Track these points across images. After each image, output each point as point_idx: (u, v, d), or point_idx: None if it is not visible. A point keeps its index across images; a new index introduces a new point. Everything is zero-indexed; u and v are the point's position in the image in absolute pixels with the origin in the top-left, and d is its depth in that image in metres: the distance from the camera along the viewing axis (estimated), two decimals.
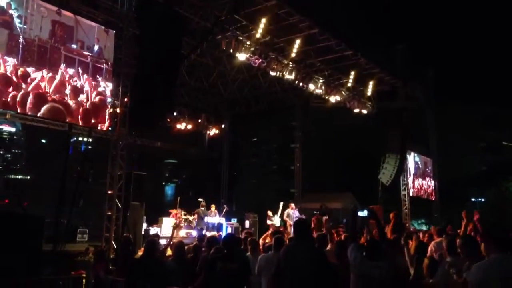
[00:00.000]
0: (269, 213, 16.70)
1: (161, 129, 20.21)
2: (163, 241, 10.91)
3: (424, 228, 26.26)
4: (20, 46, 7.60)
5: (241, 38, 13.05)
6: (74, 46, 8.48)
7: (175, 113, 19.11)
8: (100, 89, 8.98)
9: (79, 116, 8.57)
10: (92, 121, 9.01)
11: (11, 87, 7.58)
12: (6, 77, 7.50)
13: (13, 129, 77.77)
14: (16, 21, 7.53)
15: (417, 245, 6.44)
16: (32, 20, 7.76)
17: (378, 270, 4.32)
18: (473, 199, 36.20)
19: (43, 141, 63.57)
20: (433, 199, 22.89)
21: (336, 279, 4.76)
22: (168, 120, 19.08)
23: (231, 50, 13.10)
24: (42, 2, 7.95)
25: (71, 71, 8.41)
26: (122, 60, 11.98)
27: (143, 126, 11.84)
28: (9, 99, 7.67)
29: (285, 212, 16.00)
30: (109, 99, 9.57)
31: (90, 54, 8.80)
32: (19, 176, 64.96)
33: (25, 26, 7.63)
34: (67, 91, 8.31)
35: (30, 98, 7.65)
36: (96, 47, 8.96)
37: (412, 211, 21.51)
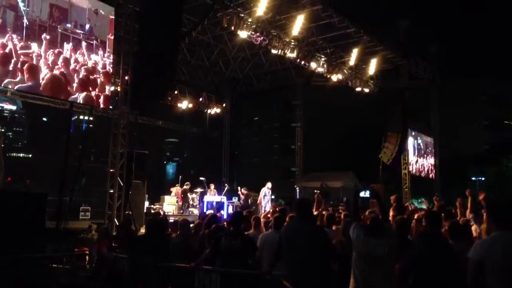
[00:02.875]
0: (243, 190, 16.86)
1: (162, 108, 20.21)
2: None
3: (424, 207, 26.38)
4: (24, 25, 9.00)
5: (242, 15, 12.87)
6: (68, 25, 9.85)
7: (176, 92, 19.01)
8: (91, 62, 10.32)
9: (75, 85, 9.81)
10: (90, 88, 10.19)
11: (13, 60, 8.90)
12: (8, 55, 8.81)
13: (14, 107, 77.71)
14: (21, 4, 9.03)
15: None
16: (34, 3, 9.27)
17: (381, 247, 4.35)
18: (473, 178, 36.32)
19: (44, 119, 63.57)
20: (434, 178, 22.97)
21: (342, 257, 4.81)
22: (169, 99, 19.02)
23: (232, 28, 12.93)
24: None
25: (67, 46, 9.77)
26: (122, 37, 11.87)
27: (144, 104, 11.83)
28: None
29: (262, 191, 16.13)
30: (100, 70, 10.66)
31: (82, 32, 10.14)
32: (21, 154, 65.24)
33: (28, 9, 9.09)
34: (62, 63, 9.65)
35: (25, 68, 8.94)
36: (87, 26, 10.29)
37: (413, 190, 21.61)
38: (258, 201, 16.00)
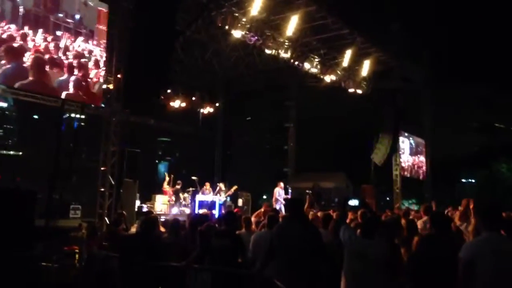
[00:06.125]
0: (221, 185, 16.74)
1: (154, 106, 20.07)
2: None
3: (415, 208, 26.54)
4: (20, 14, 9.86)
5: (236, 14, 12.87)
6: (60, 15, 10.66)
7: (169, 91, 18.91)
8: (80, 48, 11.02)
9: (65, 69, 10.52)
10: (79, 72, 10.83)
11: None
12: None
13: (4, 104, 76.85)
14: None
15: (407, 223, 6.49)
16: None
17: (373, 248, 4.36)
18: (463, 180, 36.56)
19: (35, 116, 62.96)
20: (424, 179, 23.11)
21: (332, 256, 4.81)
22: (162, 97, 18.91)
23: (227, 27, 12.92)
24: None
25: (59, 34, 10.57)
26: (116, 35, 11.82)
27: (136, 102, 11.79)
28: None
29: (275, 191, 16.10)
30: (87, 55, 11.27)
31: (72, 21, 10.95)
32: (11, 152, 64.60)
33: None
34: (53, 48, 10.42)
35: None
36: (77, 16, 11.10)
37: (403, 191, 21.72)
38: (273, 200, 15.97)
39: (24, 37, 9.72)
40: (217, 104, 21.81)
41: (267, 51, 14.54)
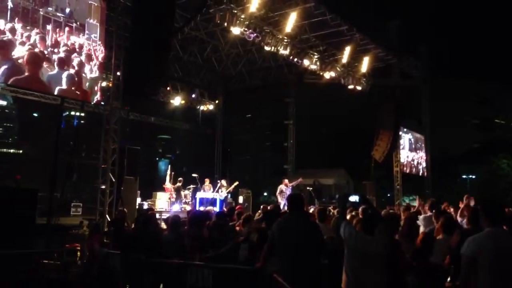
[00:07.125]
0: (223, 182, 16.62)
1: (154, 104, 20.12)
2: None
3: (415, 204, 26.44)
4: (9, 8, 9.56)
5: (235, 11, 12.84)
6: (50, 8, 10.42)
7: (168, 88, 18.94)
8: (70, 42, 10.87)
9: (55, 63, 10.30)
10: (69, 67, 10.68)
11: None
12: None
13: (4, 102, 76.78)
14: None
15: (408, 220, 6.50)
16: None
17: (374, 244, 4.36)
18: (464, 176, 36.58)
19: (35, 114, 62.94)
20: (424, 175, 23.11)
21: (333, 252, 4.83)
22: (162, 95, 18.95)
23: (225, 24, 12.90)
24: None
25: (48, 28, 10.32)
26: (114, 32, 11.81)
27: (136, 100, 11.80)
28: None
29: (278, 188, 16.03)
30: (78, 50, 11.14)
31: (63, 15, 10.72)
32: (11, 150, 64.58)
33: None
34: (46, 43, 10.24)
35: None
36: (67, 10, 10.87)
37: (404, 188, 21.72)
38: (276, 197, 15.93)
39: (13, 31, 9.39)
40: (216, 101, 21.83)
41: (266, 48, 14.51)
